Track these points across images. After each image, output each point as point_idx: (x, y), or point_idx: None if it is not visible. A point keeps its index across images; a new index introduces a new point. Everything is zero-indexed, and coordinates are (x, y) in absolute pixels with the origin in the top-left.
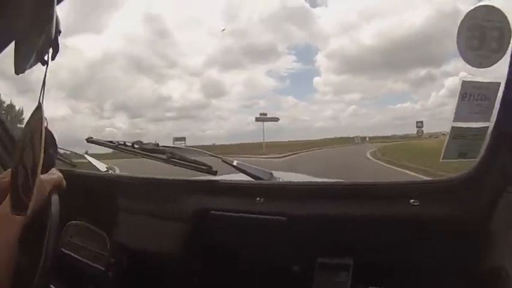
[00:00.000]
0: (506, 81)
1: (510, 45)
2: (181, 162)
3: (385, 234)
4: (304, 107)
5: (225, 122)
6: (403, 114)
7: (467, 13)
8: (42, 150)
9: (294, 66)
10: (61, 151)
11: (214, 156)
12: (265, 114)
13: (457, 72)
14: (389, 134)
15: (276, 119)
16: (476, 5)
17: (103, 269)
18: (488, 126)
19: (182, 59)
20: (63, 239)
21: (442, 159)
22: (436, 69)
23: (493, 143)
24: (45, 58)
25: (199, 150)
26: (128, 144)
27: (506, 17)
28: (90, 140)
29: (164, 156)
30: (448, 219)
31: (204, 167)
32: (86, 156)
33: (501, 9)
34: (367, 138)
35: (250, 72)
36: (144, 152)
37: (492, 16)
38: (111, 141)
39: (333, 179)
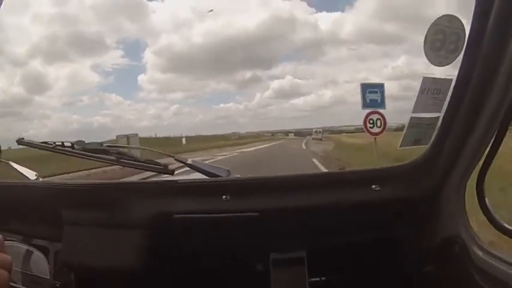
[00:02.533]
0: (457, 78)
1: (464, 48)
2: (133, 162)
3: (344, 222)
4: (128, 105)
5: (48, 121)
6: (226, 113)
7: (435, 20)
8: None
9: (121, 62)
10: None
11: (165, 154)
12: None
13: (284, 76)
14: (212, 133)
15: None
16: (441, 14)
17: None
18: (439, 116)
19: (8, 46)
20: None
21: (400, 146)
22: (263, 71)
23: (442, 131)
24: None
25: (147, 148)
26: (66, 144)
27: (463, 25)
28: (21, 142)
29: (112, 157)
30: (406, 200)
31: (160, 167)
32: (10, 163)
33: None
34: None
35: (75, 66)
36: (88, 153)
37: (452, 23)
38: (46, 142)
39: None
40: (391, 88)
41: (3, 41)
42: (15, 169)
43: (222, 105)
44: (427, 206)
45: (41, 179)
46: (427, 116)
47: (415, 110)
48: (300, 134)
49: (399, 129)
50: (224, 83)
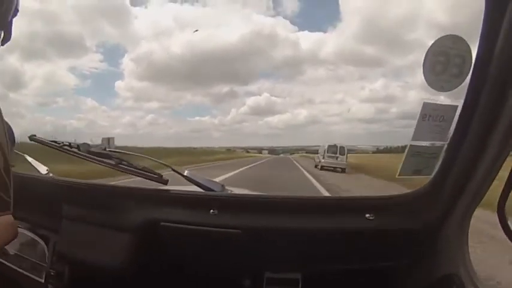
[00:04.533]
0: (463, 105)
1: (470, 72)
2: (131, 169)
3: (337, 248)
4: (103, 111)
5: (22, 120)
6: (201, 127)
7: (436, 40)
8: (8, 145)
9: (99, 66)
10: None
11: (164, 165)
12: None
13: (260, 93)
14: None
15: None
16: (444, 34)
17: (42, 281)
18: (443, 146)
19: None
20: None
21: (398, 175)
22: (240, 87)
23: (447, 162)
24: None
25: (148, 157)
26: (73, 145)
27: (469, 47)
28: (33, 139)
29: (112, 162)
30: (403, 232)
31: (154, 176)
32: (25, 156)
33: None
34: None
35: (52, 66)
36: (91, 156)
37: (457, 45)
38: (55, 141)
39: (286, 194)
40: (367, 110)
41: None
42: (29, 162)
43: (197, 118)
44: (426, 239)
45: (51, 174)
46: (429, 145)
47: (415, 138)
48: (274, 151)
49: (376, 151)
50: (200, 95)
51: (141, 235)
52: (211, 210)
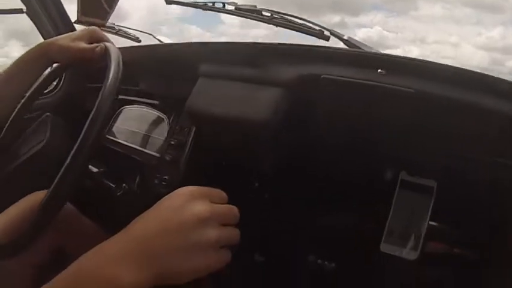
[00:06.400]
0: None
1: None
2: (288, 23)
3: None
4: (208, 38)
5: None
6: None
7: None
8: None
9: None
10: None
11: (321, 27)
12: None
13: (372, 25)
14: None
15: None
16: None
17: (158, 155)
18: None
19: None
20: (113, 125)
21: None
22: (351, 18)
23: None
24: None
25: (303, 18)
26: (217, 4)
27: None
28: (170, 1)
29: (265, 17)
30: None
31: (315, 31)
32: (152, 34)
33: None
34: None
35: None
36: (241, 12)
37: None
38: (195, 1)
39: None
40: (481, 59)
41: None
42: (157, 39)
43: None
44: None
45: None
46: None
47: None
48: None
49: None
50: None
51: (297, 88)
52: (379, 70)
